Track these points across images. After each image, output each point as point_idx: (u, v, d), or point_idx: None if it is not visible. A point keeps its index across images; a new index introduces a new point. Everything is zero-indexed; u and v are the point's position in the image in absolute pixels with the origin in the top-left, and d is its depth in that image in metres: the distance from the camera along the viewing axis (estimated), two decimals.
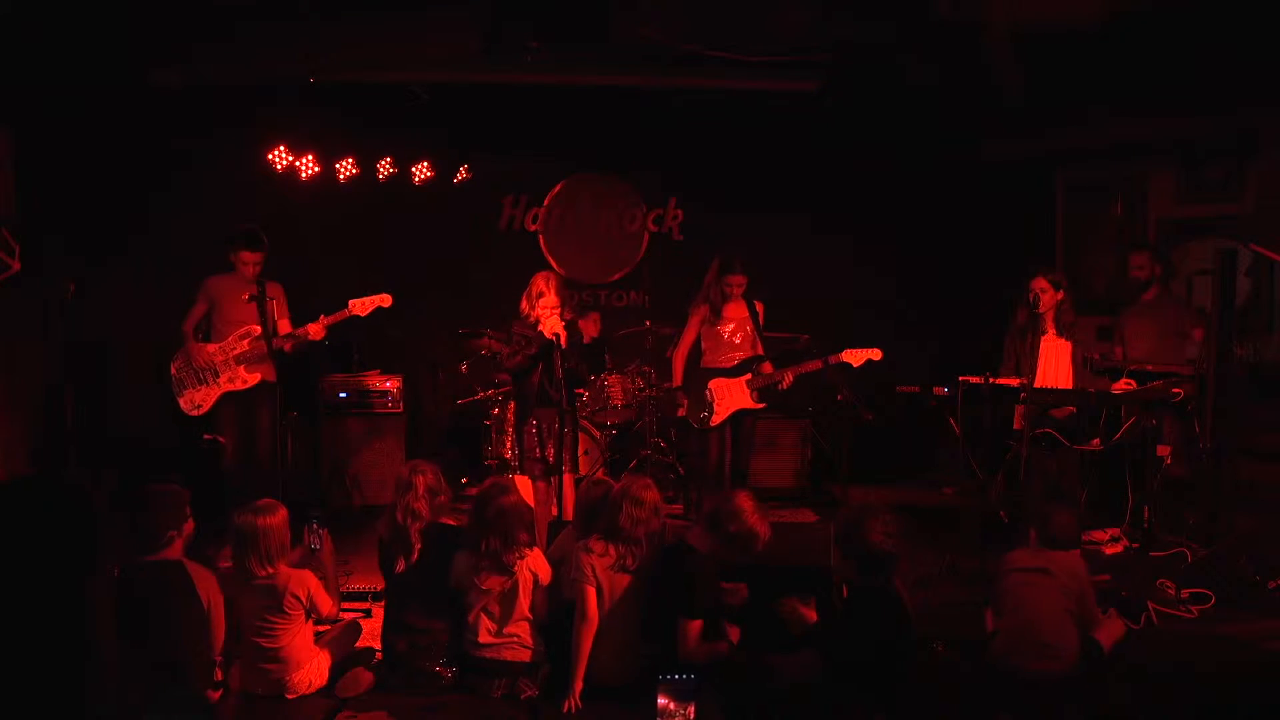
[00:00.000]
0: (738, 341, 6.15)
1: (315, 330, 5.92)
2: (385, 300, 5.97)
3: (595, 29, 5.65)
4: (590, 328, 7.50)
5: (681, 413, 6.16)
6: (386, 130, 7.69)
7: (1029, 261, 6.53)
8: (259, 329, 5.97)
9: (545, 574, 4.37)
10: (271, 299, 5.91)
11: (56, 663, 2.15)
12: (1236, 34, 5.97)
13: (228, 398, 6.03)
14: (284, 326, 6.12)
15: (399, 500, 4.45)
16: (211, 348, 6.03)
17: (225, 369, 6.00)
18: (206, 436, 6.11)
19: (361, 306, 5.93)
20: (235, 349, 6.01)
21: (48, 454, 6.18)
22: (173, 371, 6.06)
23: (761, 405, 6.15)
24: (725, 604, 4.44)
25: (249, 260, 6.02)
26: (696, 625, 4.21)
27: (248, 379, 6.04)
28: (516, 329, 5.65)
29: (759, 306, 6.21)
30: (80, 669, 2.14)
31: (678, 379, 6.20)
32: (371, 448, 7.21)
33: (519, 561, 4.30)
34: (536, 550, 4.42)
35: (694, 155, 8.46)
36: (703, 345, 6.23)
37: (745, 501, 4.29)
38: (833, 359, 5.98)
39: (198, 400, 6.00)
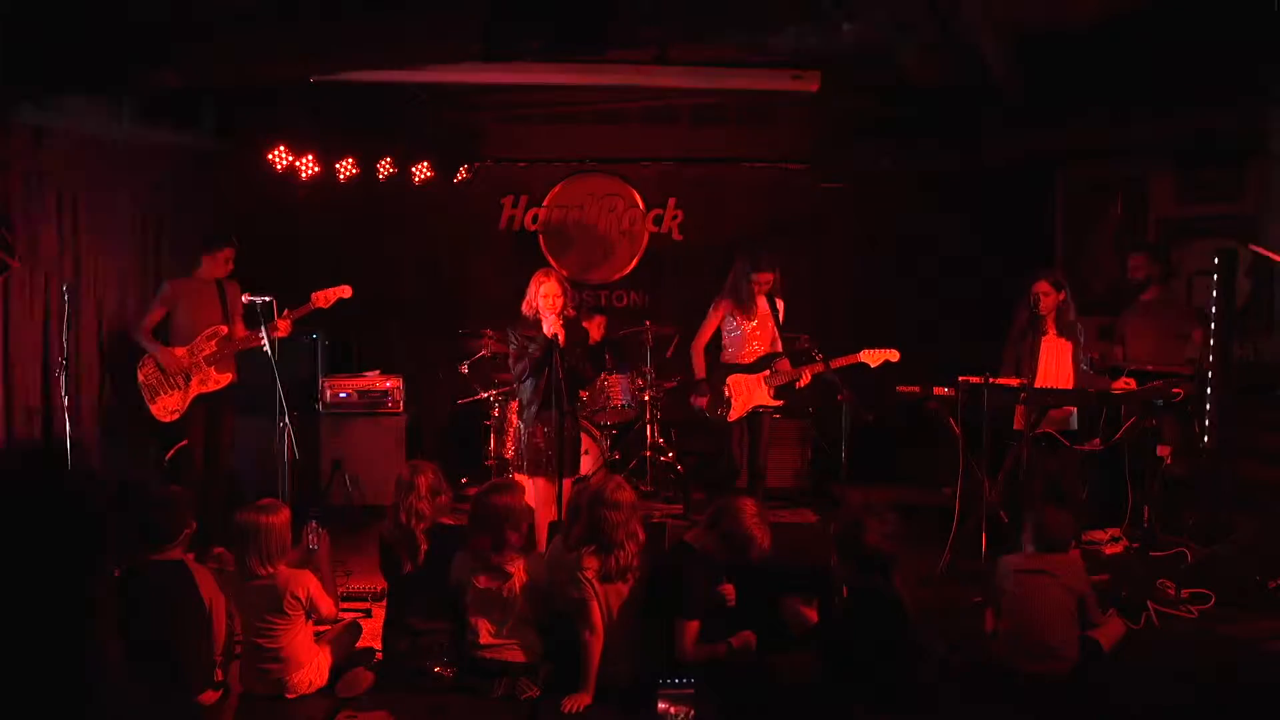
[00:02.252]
0: (759, 338, 6.15)
1: (283, 326, 5.87)
2: (345, 291, 5.93)
3: (595, 29, 5.64)
4: (595, 330, 7.49)
5: (703, 403, 6.13)
6: (386, 130, 7.69)
7: (1029, 261, 6.52)
8: (226, 329, 5.99)
9: (538, 576, 4.37)
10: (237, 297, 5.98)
11: (58, 662, 2.16)
12: (1237, 33, 5.98)
13: (200, 400, 5.97)
14: (238, 323, 6.09)
15: (402, 501, 4.46)
16: (180, 351, 5.95)
17: (196, 371, 5.93)
18: (170, 454, 6.07)
19: (323, 299, 5.90)
20: (204, 350, 5.95)
21: (47, 453, 6.17)
22: (141, 379, 5.93)
23: (778, 403, 6.14)
24: (724, 605, 4.44)
25: (231, 257, 6.05)
26: (694, 626, 4.21)
27: (219, 380, 5.99)
28: (520, 332, 5.65)
29: (779, 304, 6.20)
30: (82, 669, 2.15)
31: (700, 370, 6.17)
32: (371, 448, 7.21)
33: (513, 563, 4.31)
34: (532, 554, 4.42)
35: (694, 155, 8.46)
36: (724, 341, 6.22)
37: (748, 506, 4.30)
38: (851, 359, 5.96)
39: (172, 406, 5.91)
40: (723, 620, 4.36)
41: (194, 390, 5.94)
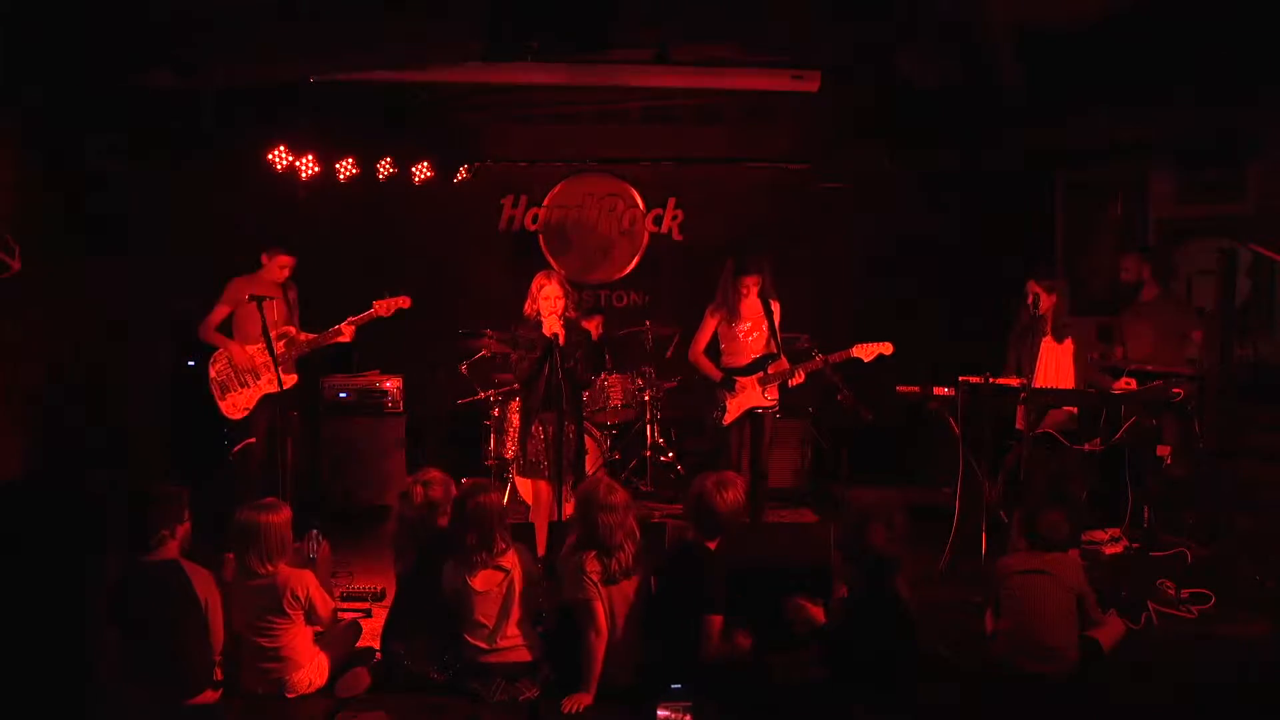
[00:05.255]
0: (753, 341, 6.14)
1: (347, 331, 5.95)
2: (405, 302, 6.01)
3: (595, 29, 5.64)
4: (593, 330, 7.49)
5: (730, 399, 6.11)
6: (386, 130, 7.69)
7: (1029, 262, 6.53)
8: (294, 330, 6.02)
9: (532, 573, 4.38)
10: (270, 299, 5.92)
11: (57, 664, 2.15)
12: (1237, 33, 5.97)
13: (266, 399, 5.98)
14: (296, 326, 6.11)
15: (399, 510, 4.52)
16: (251, 349, 5.96)
17: (266, 371, 5.92)
18: (237, 450, 6.05)
19: (385, 308, 5.96)
20: (275, 350, 5.94)
21: (48, 456, 6.17)
22: (212, 374, 5.97)
23: (773, 402, 6.13)
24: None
25: (286, 264, 6.06)
26: (719, 621, 4.22)
27: (285, 381, 5.97)
28: (522, 333, 5.66)
29: (775, 306, 6.19)
30: (81, 669, 2.14)
31: (714, 372, 6.15)
32: (371, 448, 7.20)
33: (508, 558, 4.32)
34: (520, 548, 4.42)
35: (694, 155, 8.46)
36: (721, 346, 6.22)
37: (706, 478, 4.41)
38: (844, 355, 5.96)
39: (242, 403, 5.94)
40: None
41: (263, 389, 5.94)
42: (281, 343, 5.97)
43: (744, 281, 6.04)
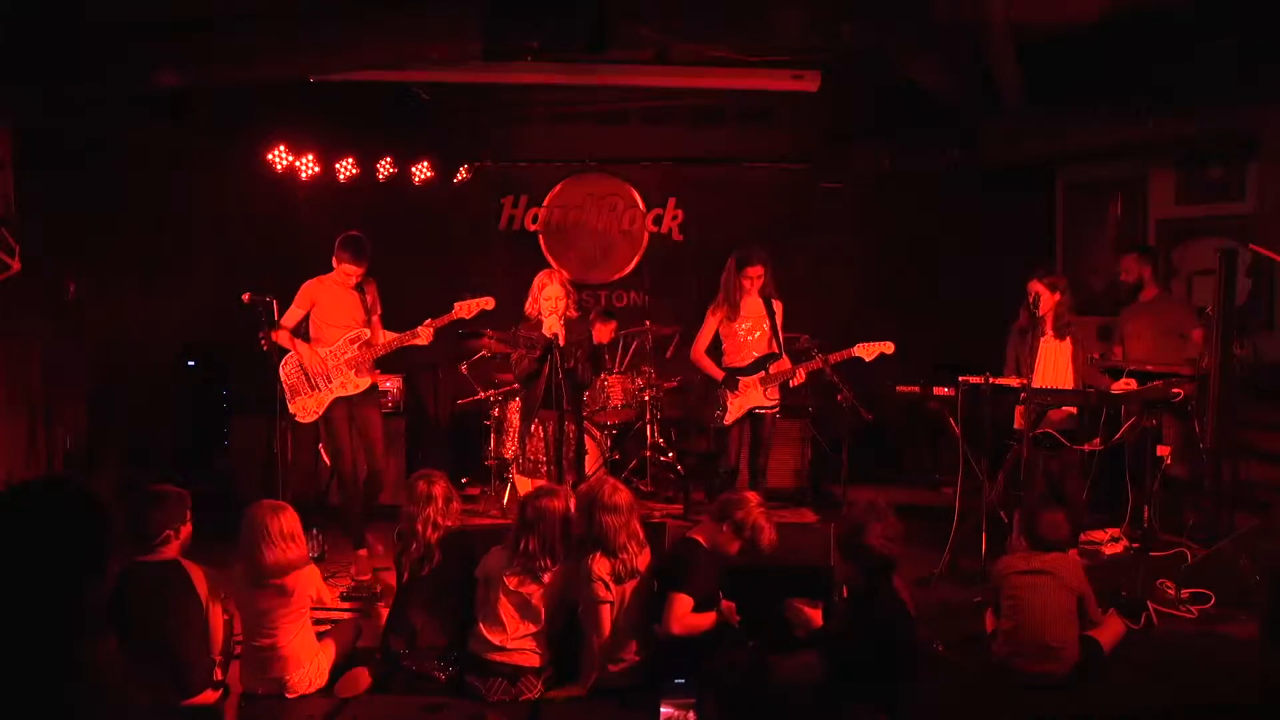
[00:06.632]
0: (755, 339, 6.14)
1: (424, 333, 5.78)
2: (489, 303, 5.78)
3: (595, 28, 5.65)
4: (604, 334, 7.50)
5: (733, 398, 6.10)
6: (386, 130, 7.69)
7: (1029, 262, 6.52)
8: (369, 333, 5.86)
9: (559, 591, 4.37)
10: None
11: (55, 665, 2.15)
12: (1237, 33, 5.97)
13: (339, 402, 5.84)
14: (377, 325, 5.94)
15: (419, 512, 4.47)
16: (323, 352, 5.83)
17: (338, 374, 5.81)
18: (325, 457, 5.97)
19: (466, 309, 5.74)
20: (345, 353, 5.82)
21: (48, 457, 6.18)
22: (283, 377, 5.82)
23: (774, 402, 6.14)
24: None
25: (352, 273, 5.81)
26: (686, 600, 4.22)
27: (358, 383, 5.86)
28: (523, 332, 5.65)
29: (777, 305, 6.19)
30: (79, 671, 2.14)
31: (715, 371, 6.14)
32: None
33: (549, 572, 4.31)
34: (565, 568, 4.39)
35: (694, 155, 8.46)
36: (723, 346, 6.22)
37: (753, 497, 4.44)
38: (845, 354, 5.96)
39: (311, 407, 5.80)
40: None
41: (335, 392, 5.81)
42: (355, 345, 5.86)
43: (747, 273, 6.03)
